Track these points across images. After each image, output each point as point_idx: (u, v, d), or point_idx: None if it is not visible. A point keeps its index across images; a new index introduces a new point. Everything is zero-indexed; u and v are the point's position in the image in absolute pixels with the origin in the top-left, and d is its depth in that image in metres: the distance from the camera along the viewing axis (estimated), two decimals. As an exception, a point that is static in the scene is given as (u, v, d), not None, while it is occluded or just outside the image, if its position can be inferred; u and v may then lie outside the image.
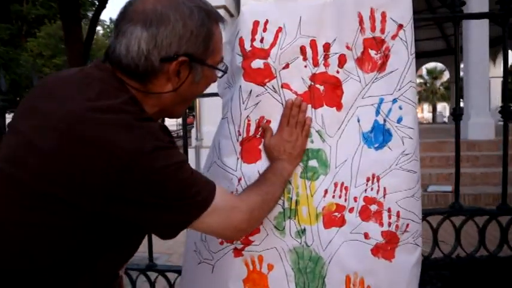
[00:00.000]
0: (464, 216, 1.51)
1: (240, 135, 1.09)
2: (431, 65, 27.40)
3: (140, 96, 0.81)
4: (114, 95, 0.75)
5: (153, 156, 0.70)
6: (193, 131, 7.56)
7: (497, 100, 13.08)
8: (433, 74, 33.37)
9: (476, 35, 6.76)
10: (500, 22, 1.30)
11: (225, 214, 0.82)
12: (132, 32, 0.77)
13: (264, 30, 1.07)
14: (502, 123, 1.46)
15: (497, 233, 1.54)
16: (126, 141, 0.69)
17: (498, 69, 13.21)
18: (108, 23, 18.05)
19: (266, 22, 1.06)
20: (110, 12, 72.53)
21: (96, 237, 0.74)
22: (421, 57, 15.96)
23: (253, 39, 1.07)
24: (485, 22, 6.70)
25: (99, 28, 18.09)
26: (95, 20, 3.69)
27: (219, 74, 0.90)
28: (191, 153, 7.03)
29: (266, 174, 1.03)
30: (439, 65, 24.79)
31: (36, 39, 18.61)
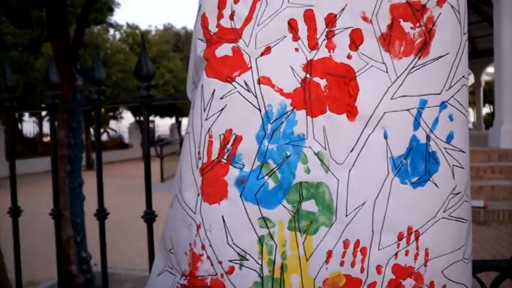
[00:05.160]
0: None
1: (200, 158, 0.70)
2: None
3: None
4: None
5: None
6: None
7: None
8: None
9: (509, 34, 6.24)
10: None
11: None
12: None
13: (236, 0, 0.71)
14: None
15: None
16: None
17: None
18: (125, 27, 17.87)
19: None
20: (127, 16, 73.64)
21: None
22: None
23: (220, 16, 0.73)
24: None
25: (116, 33, 17.96)
26: (83, 18, 3.41)
27: None
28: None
29: None
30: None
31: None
